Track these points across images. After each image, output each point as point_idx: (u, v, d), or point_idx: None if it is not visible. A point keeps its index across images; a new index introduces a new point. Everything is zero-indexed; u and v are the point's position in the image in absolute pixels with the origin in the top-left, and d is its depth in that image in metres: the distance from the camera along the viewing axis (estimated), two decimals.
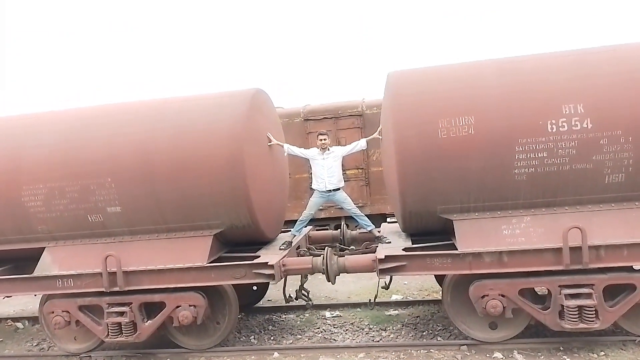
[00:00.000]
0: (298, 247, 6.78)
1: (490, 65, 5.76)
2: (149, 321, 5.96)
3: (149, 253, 6.06)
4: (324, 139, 6.45)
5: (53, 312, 6.10)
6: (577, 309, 5.04)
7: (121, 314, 5.90)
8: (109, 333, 5.95)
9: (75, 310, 6.05)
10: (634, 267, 5.17)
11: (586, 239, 4.97)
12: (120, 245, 6.19)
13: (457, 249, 5.38)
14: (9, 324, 8.38)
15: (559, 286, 5.14)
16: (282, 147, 6.74)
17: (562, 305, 5.09)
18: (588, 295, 5.04)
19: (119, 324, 5.91)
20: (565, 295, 5.08)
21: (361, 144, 6.65)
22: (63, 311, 6.06)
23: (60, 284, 6.04)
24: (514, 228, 5.42)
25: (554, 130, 5.21)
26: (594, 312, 5.03)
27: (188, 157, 5.93)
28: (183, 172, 5.93)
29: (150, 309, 6.00)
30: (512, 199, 5.45)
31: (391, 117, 5.70)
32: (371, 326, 6.76)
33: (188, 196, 5.97)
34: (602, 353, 5.30)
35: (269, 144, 6.64)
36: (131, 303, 5.90)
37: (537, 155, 5.26)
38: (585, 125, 5.16)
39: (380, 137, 6.55)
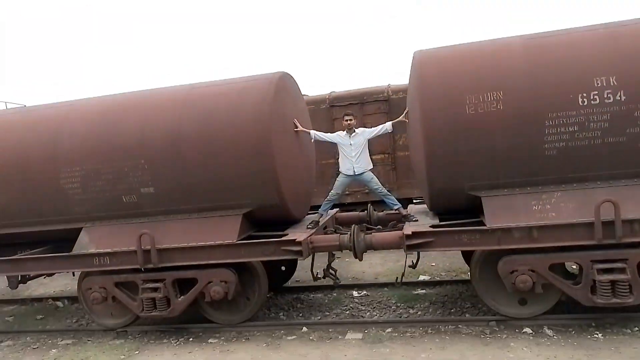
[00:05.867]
0: (325, 227, 6.85)
1: (518, 41, 5.67)
2: (181, 297, 6.15)
3: (181, 232, 6.22)
4: (350, 119, 6.48)
5: (91, 289, 6.37)
6: (610, 283, 4.97)
7: (155, 289, 6.11)
8: (144, 308, 6.18)
9: (111, 286, 6.29)
10: None
11: (619, 212, 4.87)
12: (153, 224, 6.37)
13: (485, 226, 5.35)
14: (50, 302, 8.78)
15: (591, 261, 5.06)
16: (309, 133, 6.79)
17: (594, 280, 5.01)
18: (621, 270, 4.95)
19: (153, 299, 6.12)
20: (597, 270, 5.00)
21: (387, 126, 6.61)
22: (100, 287, 6.32)
23: (97, 261, 6.29)
24: (545, 203, 5.34)
25: (586, 103, 5.11)
26: (627, 286, 4.94)
27: (216, 140, 6.06)
28: (212, 155, 6.07)
29: (183, 285, 6.19)
30: (542, 175, 5.38)
31: (418, 95, 5.69)
32: (398, 304, 6.80)
33: (217, 178, 6.11)
34: (636, 329, 5.20)
35: (295, 129, 6.71)
36: (164, 279, 6.10)
37: (568, 129, 5.18)
38: (619, 98, 5.05)
39: (407, 120, 6.53)
